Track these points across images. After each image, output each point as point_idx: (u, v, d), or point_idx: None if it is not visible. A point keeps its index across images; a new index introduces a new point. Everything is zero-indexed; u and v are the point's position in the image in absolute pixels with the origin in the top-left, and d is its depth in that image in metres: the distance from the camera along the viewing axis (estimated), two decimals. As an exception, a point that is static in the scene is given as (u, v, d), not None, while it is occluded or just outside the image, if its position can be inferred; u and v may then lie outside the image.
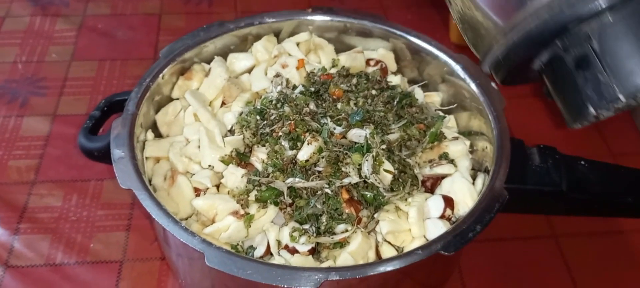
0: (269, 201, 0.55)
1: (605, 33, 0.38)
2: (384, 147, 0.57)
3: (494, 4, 0.42)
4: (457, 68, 0.65)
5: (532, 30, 0.40)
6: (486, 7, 0.42)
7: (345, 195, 0.54)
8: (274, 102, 0.62)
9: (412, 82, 0.71)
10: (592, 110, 0.40)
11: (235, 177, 0.57)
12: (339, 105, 0.61)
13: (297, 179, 0.55)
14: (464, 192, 0.57)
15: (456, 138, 0.63)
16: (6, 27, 0.96)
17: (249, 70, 0.69)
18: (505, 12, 0.41)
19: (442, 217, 0.55)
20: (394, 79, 0.69)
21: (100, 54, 0.92)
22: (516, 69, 0.44)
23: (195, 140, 0.61)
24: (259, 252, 0.54)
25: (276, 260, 0.54)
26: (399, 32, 0.69)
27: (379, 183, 0.55)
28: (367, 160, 0.55)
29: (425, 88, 0.70)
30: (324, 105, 0.62)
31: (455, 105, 0.67)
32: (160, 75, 0.63)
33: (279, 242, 0.54)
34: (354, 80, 0.65)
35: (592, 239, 0.72)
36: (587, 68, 0.39)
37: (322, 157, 0.56)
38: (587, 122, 0.41)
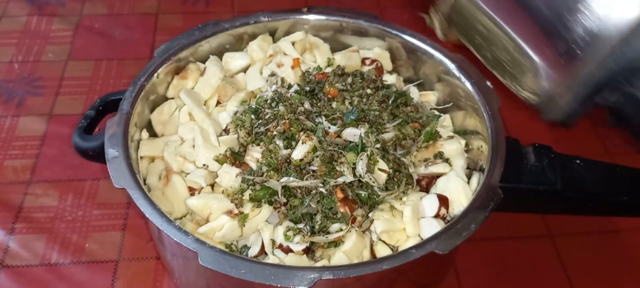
0: (263, 200, 0.55)
1: None
2: (378, 146, 0.57)
3: (553, 65, 0.42)
4: (453, 67, 0.65)
5: (601, 80, 0.40)
6: (544, 70, 0.42)
7: (340, 194, 0.54)
8: (268, 101, 0.62)
9: (407, 81, 0.71)
10: None
11: (229, 176, 0.57)
12: (333, 105, 0.61)
13: (291, 178, 0.55)
14: (459, 191, 0.57)
15: (451, 137, 0.63)
16: (3, 27, 0.96)
17: (245, 70, 0.69)
18: (568, 71, 0.41)
19: (436, 216, 0.55)
20: (390, 78, 0.69)
21: (97, 53, 0.92)
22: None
23: (190, 139, 0.61)
24: (253, 251, 0.54)
25: (270, 259, 0.54)
26: (394, 32, 0.69)
27: (373, 182, 0.55)
28: (361, 159, 0.55)
29: (421, 87, 0.70)
30: (318, 104, 0.62)
31: (450, 104, 0.67)
32: (155, 75, 0.63)
33: (273, 241, 0.54)
34: (349, 79, 0.65)
35: (588, 238, 0.72)
36: None
37: (317, 156, 0.56)
38: None
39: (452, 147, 0.61)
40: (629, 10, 0.37)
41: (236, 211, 0.54)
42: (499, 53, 0.46)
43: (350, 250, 0.53)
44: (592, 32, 0.38)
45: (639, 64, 0.38)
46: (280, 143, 0.57)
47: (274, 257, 0.54)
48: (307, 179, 0.55)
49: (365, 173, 0.55)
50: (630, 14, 0.37)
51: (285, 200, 0.55)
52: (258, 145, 0.58)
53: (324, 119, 0.59)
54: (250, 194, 0.55)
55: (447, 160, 0.60)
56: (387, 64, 0.71)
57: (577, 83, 0.41)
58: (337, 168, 0.55)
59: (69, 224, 0.70)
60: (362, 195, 0.55)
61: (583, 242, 0.71)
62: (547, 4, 0.40)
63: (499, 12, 0.43)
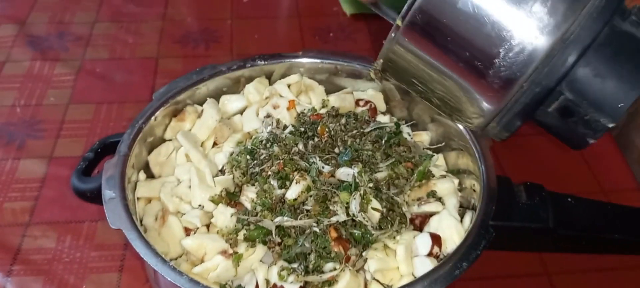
0: (257, 240, 0.55)
1: (575, 84, 0.47)
2: (371, 185, 0.58)
3: (483, 96, 0.49)
4: (445, 107, 0.66)
5: (519, 111, 0.49)
6: (474, 100, 0.50)
7: (334, 234, 0.55)
8: (264, 142, 0.63)
9: (401, 121, 0.72)
10: (590, 140, 0.49)
11: (224, 216, 0.57)
12: (323, 142, 0.62)
13: (285, 218, 0.55)
14: (452, 230, 0.57)
15: (444, 176, 0.63)
16: (6, 71, 0.98)
17: (241, 111, 0.71)
18: (494, 102, 0.49)
19: (429, 254, 0.56)
20: (383, 119, 0.70)
21: (98, 96, 0.94)
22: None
23: (187, 180, 0.62)
24: (247, 291, 0.55)
25: (265, 299, 0.54)
26: (387, 73, 0.71)
27: (367, 221, 0.56)
28: (355, 199, 0.56)
29: (415, 127, 0.71)
30: (312, 143, 0.63)
31: (443, 144, 0.68)
32: (153, 117, 0.65)
33: (267, 281, 0.55)
34: (343, 120, 0.66)
35: (585, 276, 0.71)
36: (572, 114, 0.48)
37: (311, 196, 0.56)
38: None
39: (445, 186, 0.62)
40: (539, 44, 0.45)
41: (231, 251, 0.55)
42: (435, 93, 0.53)
43: (344, 289, 0.53)
44: (517, 61, 0.46)
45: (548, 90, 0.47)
46: (274, 183, 0.58)
47: (269, 297, 0.54)
48: (301, 218, 0.55)
49: (359, 213, 0.55)
50: (539, 49, 0.45)
51: (279, 240, 0.55)
52: (253, 185, 0.59)
53: (317, 158, 0.60)
54: (244, 234, 0.56)
55: (440, 199, 0.61)
56: (381, 105, 0.72)
57: (498, 110, 0.50)
58: (331, 207, 0.56)
59: (66, 266, 0.71)
60: (356, 234, 0.56)
61: (580, 280, 0.71)
62: (473, 47, 0.47)
63: (429, 62, 0.50)
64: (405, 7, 0.49)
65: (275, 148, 0.61)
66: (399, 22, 0.49)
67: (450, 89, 0.50)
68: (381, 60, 0.54)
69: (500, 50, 0.45)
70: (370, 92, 0.72)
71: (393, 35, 0.51)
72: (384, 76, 0.56)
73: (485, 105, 0.49)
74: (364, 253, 0.56)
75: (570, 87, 0.46)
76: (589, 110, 0.47)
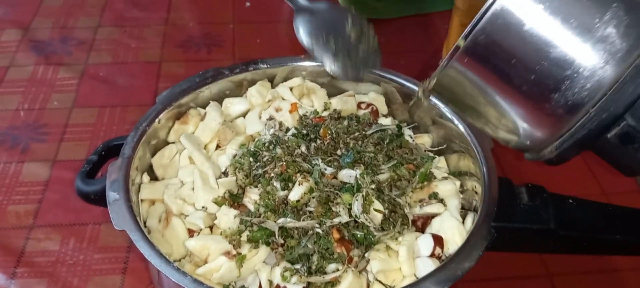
0: (260, 241, 0.56)
1: (637, 111, 0.44)
2: (373, 187, 0.58)
3: (545, 121, 0.47)
4: (446, 110, 0.66)
5: (581, 138, 0.46)
6: (534, 124, 0.47)
7: (336, 235, 0.55)
8: (266, 144, 0.64)
9: (403, 124, 0.72)
10: None
11: (228, 217, 0.58)
12: (326, 144, 0.63)
13: (288, 219, 0.56)
14: (454, 231, 0.57)
15: (446, 178, 0.64)
16: (10, 75, 0.99)
17: (244, 114, 0.71)
18: (557, 127, 0.46)
19: (432, 255, 0.56)
20: (385, 122, 0.70)
21: (101, 100, 0.94)
22: None
23: (190, 182, 0.62)
24: (250, 292, 0.55)
25: (268, 300, 0.54)
26: (389, 76, 0.71)
27: (369, 222, 0.56)
28: (357, 200, 0.56)
29: (416, 130, 0.71)
30: (314, 145, 0.63)
31: (445, 146, 0.68)
32: (157, 120, 0.65)
33: (270, 282, 0.55)
34: (345, 123, 0.66)
35: (586, 278, 0.72)
36: (632, 141, 0.45)
37: (313, 197, 0.57)
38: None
39: (447, 188, 0.62)
40: (609, 69, 0.43)
41: (234, 252, 0.55)
42: (490, 115, 0.50)
43: (347, 290, 0.54)
44: (586, 86, 0.44)
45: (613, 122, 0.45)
46: (277, 185, 0.58)
47: (272, 298, 0.54)
48: (303, 220, 0.56)
49: (361, 214, 0.56)
50: (609, 75, 0.43)
51: (282, 241, 0.56)
52: (256, 187, 0.60)
53: (320, 160, 0.61)
54: (247, 235, 0.56)
55: (441, 201, 0.61)
56: (383, 108, 0.73)
57: (579, 127, 0.46)
58: (333, 209, 0.56)
59: (70, 268, 0.71)
60: (358, 235, 0.56)
61: (581, 281, 0.71)
62: (539, 70, 0.44)
63: (487, 85, 0.47)
64: (468, 27, 0.46)
65: (278, 151, 0.61)
66: (460, 42, 0.46)
67: (509, 112, 0.48)
68: (434, 80, 0.50)
69: (569, 73, 0.43)
70: (372, 95, 0.73)
71: (450, 56, 0.47)
72: (432, 95, 0.54)
73: (547, 129, 0.47)
74: (366, 254, 0.56)
75: (633, 113, 0.44)
76: None
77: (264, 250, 0.56)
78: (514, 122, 0.48)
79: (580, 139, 0.46)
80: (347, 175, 0.59)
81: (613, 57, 0.43)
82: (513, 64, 0.44)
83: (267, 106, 0.70)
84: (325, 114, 0.70)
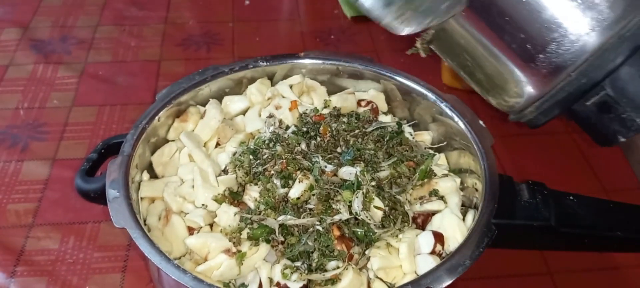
0: (260, 239, 0.56)
1: (618, 82, 0.47)
2: (374, 184, 0.58)
3: (530, 79, 0.50)
4: (446, 107, 0.66)
5: (561, 99, 0.49)
6: (519, 82, 0.51)
7: (337, 232, 0.55)
8: (266, 142, 0.64)
9: (403, 121, 0.72)
10: (621, 138, 0.50)
11: (228, 215, 0.57)
12: (326, 142, 0.63)
13: (288, 217, 0.56)
14: (454, 228, 0.57)
15: (446, 175, 0.64)
16: (10, 74, 0.99)
17: (244, 112, 0.71)
18: (539, 86, 0.50)
19: (432, 252, 0.56)
20: (385, 119, 0.70)
21: (101, 99, 0.94)
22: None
23: (190, 180, 0.62)
24: (251, 289, 0.55)
25: (268, 297, 0.54)
26: (389, 74, 0.71)
27: (369, 219, 0.56)
28: (357, 197, 0.56)
29: (416, 127, 0.71)
30: (314, 143, 0.63)
31: (445, 143, 0.68)
32: (157, 118, 0.65)
33: (271, 280, 0.55)
34: (345, 120, 0.66)
35: (587, 275, 0.71)
36: (609, 111, 0.48)
37: (313, 195, 0.57)
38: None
39: (447, 185, 0.62)
40: (594, 36, 0.46)
41: (234, 250, 0.55)
42: (481, 68, 0.53)
43: (347, 287, 0.53)
44: (570, 50, 0.46)
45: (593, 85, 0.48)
46: (277, 182, 0.58)
47: (272, 295, 0.54)
48: (304, 217, 0.56)
49: (361, 211, 0.56)
50: (594, 41, 0.46)
51: (282, 239, 0.55)
52: (256, 184, 0.60)
53: (320, 158, 0.60)
54: (248, 233, 0.56)
55: (442, 198, 0.61)
56: (383, 105, 0.73)
57: (558, 89, 0.49)
58: (334, 206, 0.56)
59: (69, 267, 0.71)
60: (359, 232, 0.56)
61: (582, 279, 0.71)
62: (529, 30, 0.47)
63: (481, 40, 0.50)
64: None
65: (278, 148, 0.61)
66: None
67: (497, 67, 0.50)
68: (432, 31, 0.53)
69: (556, 36, 0.46)
70: (372, 93, 0.73)
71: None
72: (428, 46, 0.56)
73: (530, 88, 0.50)
74: (366, 252, 0.56)
75: (613, 84, 0.47)
76: (627, 108, 0.48)
77: (264, 248, 0.55)
78: (503, 80, 0.51)
79: (560, 100, 0.49)
80: (348, 172, 0.59)
81: (599, 25, 0.45)
82: (506, 22, 0.47)
83: (267, 104, 0.70)
84: (325, 111, 0.69)
